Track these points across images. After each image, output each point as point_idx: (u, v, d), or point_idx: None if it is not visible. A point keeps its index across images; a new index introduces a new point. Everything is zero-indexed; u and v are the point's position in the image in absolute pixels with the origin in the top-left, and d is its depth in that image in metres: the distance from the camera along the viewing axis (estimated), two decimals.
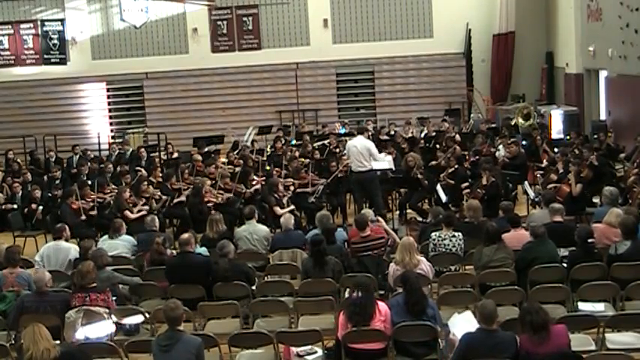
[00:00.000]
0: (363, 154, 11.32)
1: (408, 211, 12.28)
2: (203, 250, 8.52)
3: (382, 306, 6.32)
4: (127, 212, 11.10)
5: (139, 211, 11.29)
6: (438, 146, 14.43)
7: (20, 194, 13.16)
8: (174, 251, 8.75)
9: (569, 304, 7.22)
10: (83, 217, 11.28)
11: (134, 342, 6.47)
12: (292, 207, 11.40)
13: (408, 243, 7.55)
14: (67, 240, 9.07)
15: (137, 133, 19.37)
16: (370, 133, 13.19)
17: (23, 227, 12.24)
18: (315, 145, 15.46)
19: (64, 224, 9.28)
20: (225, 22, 20.67)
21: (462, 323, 6.14)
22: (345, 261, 8.03)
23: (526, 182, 11.88)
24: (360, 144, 11.43)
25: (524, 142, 14.74)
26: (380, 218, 9.34)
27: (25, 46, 19.58)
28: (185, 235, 8.28)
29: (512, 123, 17.34)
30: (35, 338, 5.41)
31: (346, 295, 7.39)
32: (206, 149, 15.77)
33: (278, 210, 10.99)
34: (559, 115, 17.52)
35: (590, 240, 7.63)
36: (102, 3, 20.67)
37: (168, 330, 5.86)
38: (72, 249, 8.86)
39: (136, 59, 20.59)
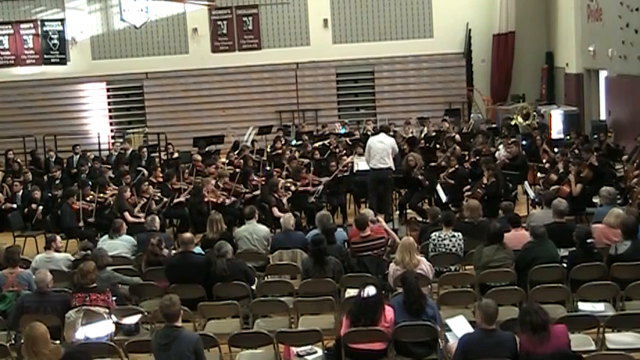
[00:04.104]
0: (388, 151, 11.70)
1: (408, 211, 12.29)
2: (198, 250, 8.50)
3: (389, 311, 6.26)
4: (127, 214, 11.09)
5: (137, 214, 11.28)
6: (438, 146, 14.43)
7: (20, 194, 13.16)
8: (173, 251, 8.75)
9: (569, 304, 7.22)
10: (84, 218, 11.29)
11: (134, 342, 6.47)
12: (289, 214, 11.29)
13: (408, 243, 7.55)
14: (57, 250, 8.79)
15: (137, 133, 19.37)
16: (392, 133, 13.53)
17: (23, 227, 12.23)
18: (316, 145, 15.46)
19: (54, 235, 9.07)
20: (225, 22, 20.67)
21: (457, 327, 6.15)
22: (345, 261, 8.03)
23: (526, 182, 11.88)
24: (386, 141, 11.81)
25: (524, 142, 14.74)
26: (380, 218, 9.34)
27: (25, 46, 19.59)
28: (187, 235, 8.29)
29: (512, 123, 17.34)
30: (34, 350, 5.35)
31: (347, 295, 7.38)
32: (206, 149, 15.77)
33: (275, 211, 11.00)
34: (559, 115, 17.52)
35: (589, 240, 7.63)
36: (102, 3, 20.66)
37: (166, 327, 5.84)
38: (62, 260, 8.60)
39: (136, 59, 20.59)
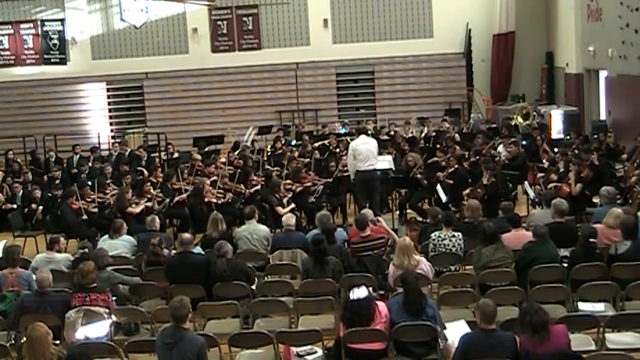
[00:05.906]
0: (374, 152, 11.60)
1: (408, 211, 12.28)
2: (197, 250, 8.50)
3: (382, 307, 6.27)
4: (130, 208, 11.14)
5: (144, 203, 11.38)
6: (438, 146, 14.42)
7: (20, 194, 13.15)
8: (173, 251, 8.75)
9: (569, 304, 7.22)
10: (84, 217, 11.29)
11: (134, 342, 6.48)
12: (293, 205, 11.41)
13: (404, 245, 7.48)
14: (59, 252, 8.73)
15: (137, 133, 19.36)
16: (370, 133, 13.38)
17: (23, 227, 12.23)
18: (316, 145, 15.45)
19: (58, 236, 9.05)
20: (225, 22, 20.67)
21: (456, 331, 6.16)
22: (345, 261, 8.03)
23: (526, 182, 11.87)
24: (371, 142, 11.72)
25: (524, 142, 14.73)
26: (380, 218, 9.33)
27: (25, 46, 19.60)
28: (186, 235, 8.29)
29: (512, 123, 17.34)
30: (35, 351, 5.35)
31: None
32: (206, 149, 15.77)
33: (280, 210, 11.00)
34: (559, 115, 17.53)
35: (591, 240, 7.63)
36: (102, 3, 20.66)
37: (172, 326, 5.85)
38: (63, 260, 8.56)
39: (136, 59, 20.59)
